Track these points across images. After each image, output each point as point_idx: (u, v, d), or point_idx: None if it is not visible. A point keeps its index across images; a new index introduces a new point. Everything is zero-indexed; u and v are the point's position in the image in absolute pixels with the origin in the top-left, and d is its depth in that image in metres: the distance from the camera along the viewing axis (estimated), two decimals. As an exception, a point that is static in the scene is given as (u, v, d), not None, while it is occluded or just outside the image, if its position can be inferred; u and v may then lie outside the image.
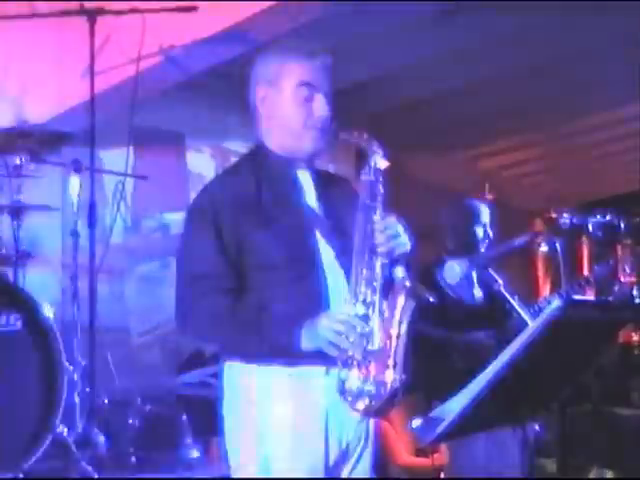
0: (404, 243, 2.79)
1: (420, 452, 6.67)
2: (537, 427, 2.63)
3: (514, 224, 5.26)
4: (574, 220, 4.01)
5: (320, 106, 2.91)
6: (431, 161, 9.78)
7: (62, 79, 5.74)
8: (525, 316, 3.52)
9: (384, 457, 6.63)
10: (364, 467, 2.96)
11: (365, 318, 2.68)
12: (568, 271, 3.81)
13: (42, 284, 5.24)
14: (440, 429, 2.43)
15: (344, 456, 2.88)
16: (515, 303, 3.62)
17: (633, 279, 4.21)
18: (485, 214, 4.97)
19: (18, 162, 5.03)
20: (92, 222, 5.13)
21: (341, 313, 2.70)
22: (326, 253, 2.87)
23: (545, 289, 11.09)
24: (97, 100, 5.25)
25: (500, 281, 3.65)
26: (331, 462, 2.83)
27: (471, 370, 2.42)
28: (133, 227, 6.79)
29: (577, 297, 2.53)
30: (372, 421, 2.96)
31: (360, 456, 2.93)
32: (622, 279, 4.19)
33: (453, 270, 3.50)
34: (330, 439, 2.82)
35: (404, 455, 6.81)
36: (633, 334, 12.57)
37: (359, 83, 7.06)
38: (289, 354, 2.71)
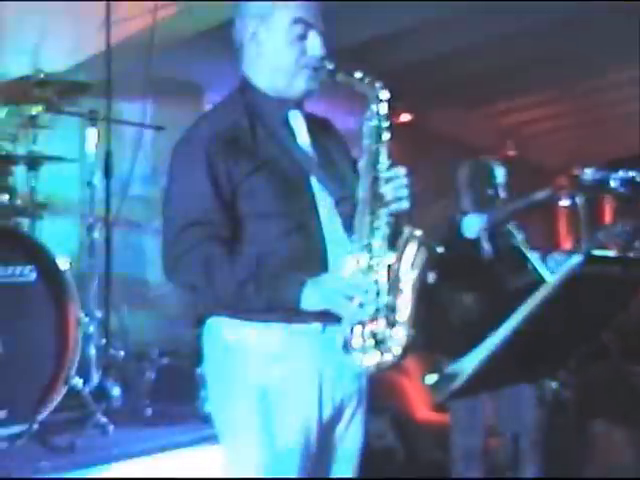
0: (411, 194, 2.67)
1: (439, 407, 6.67)
2: (554, 385, 2.58)
3: (535, 181, 5.20)
4: (596, 176, 3.97)
5: (314, 44, 2.78)
6: (451, 117, 9.70)
7: (79, 29, 5.69)
8: (543, 271, 3.48)
9: (403, 412, 6.65)
10: (359, 423, 2.90)
11: (371, 271, 2.58)
12: (589, 227, 3.76)
13: (58, 235, 5.21)
14: (455, 386, 2.40)
15: (338, 414, 2.81)
16: (533, 258, 3.59)
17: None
18: (500, 174, 4.90)
19: (34, 112, 4.99)
20: (108, 173, 5.10)
21: (349, 273, 2.59)
22: (323, 200, 2.74)
23: (567, 245, 11.04)
24: (114, 50, 5.22)
25: (519, 235, 3.60)
26: (325, 421, 2.76)
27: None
28: (152, 178, 6.75)
29: (597, 252, 2.47)
30: (369, 378, 2.88)
31: (354, 414, 2.86)
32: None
33: (472, 224, 3.46)
34: (324, 396, 2.73)
35: (423, 410, 6.83)
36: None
37: (378, 38, 6.99)
38: (286, 310, 2.61)
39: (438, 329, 4.30)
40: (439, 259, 2.57)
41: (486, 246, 4.73)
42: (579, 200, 3.79)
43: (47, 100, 5.01)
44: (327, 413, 2.76)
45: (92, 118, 5.15)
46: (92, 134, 5.19)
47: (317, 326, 2.67)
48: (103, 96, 5.22)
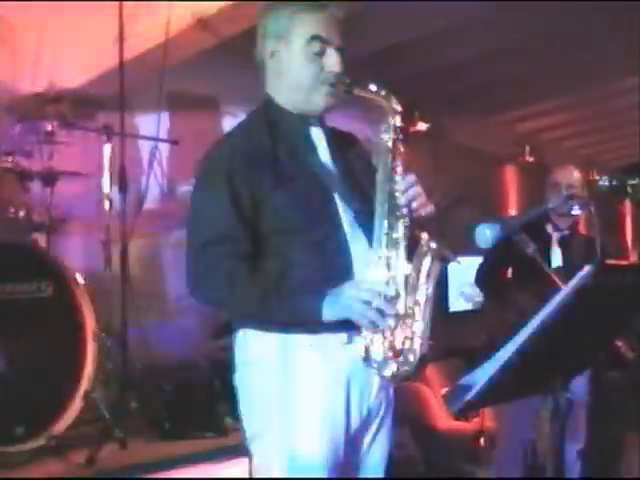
0: (426, 204, 2.71)
1: (461, 417, 6.66)
2: (569, 395, 2.56)
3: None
4: (613, 182, 3.95)
5: (332, 61, 2.80)
6: (467, 125, 9.68)
7: (95, 44, 5.71)
8: (557, 280, 3.46)
9: (424, 421, 6.64)
10: (386, 434, 2.92)
11: (390, 283, 2.61)
12: (603, 234, 3.74)
13: (75, 250, 5.24)
14: (468, 397, 2.39)
15: (365, 425, 2.84)
16: (547, 267, 3.56)
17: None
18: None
19: (50, 128, 5.01)
20: (123, 187, 5.12)
21: (366, 281, 2.62)
22: (345, 214, 2.77)
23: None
24: (128, 65, 5.23)
25: (533, 245, 3.58)
26: (352, 431, 2.78)
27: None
28: (169, 192, 6.77)
29: (610, 261, 2.45)
30: (394, 388, 2.91)
31: (381, 425, 2.89)
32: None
33: (484, 234, 3.43)
34: (352, 408, 2.76)
35: (444, 419, 6.82)
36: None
37: (392, 47, 6.98)
38: (310, 323, 2.64)
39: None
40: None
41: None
42: (593, 207, 3.78)
43: (62, 115, 5.04)
44: (354, 423, 2.78)
45: (107, 133, 5.17)
46: (107, 149, 5.21)
47: (343, 337, 2.69)
48: (119, 111, 5.23)
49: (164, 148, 6.29)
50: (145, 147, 6.16)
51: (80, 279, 4.56)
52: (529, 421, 4.63)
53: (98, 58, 5.67)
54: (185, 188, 6.81)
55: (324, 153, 2.88)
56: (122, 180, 5.12)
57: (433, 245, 2.61)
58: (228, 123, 7.24)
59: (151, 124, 5.64)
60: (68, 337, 4.51)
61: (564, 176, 4.84)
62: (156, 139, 5.66)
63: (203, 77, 6.66)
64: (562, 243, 4.78)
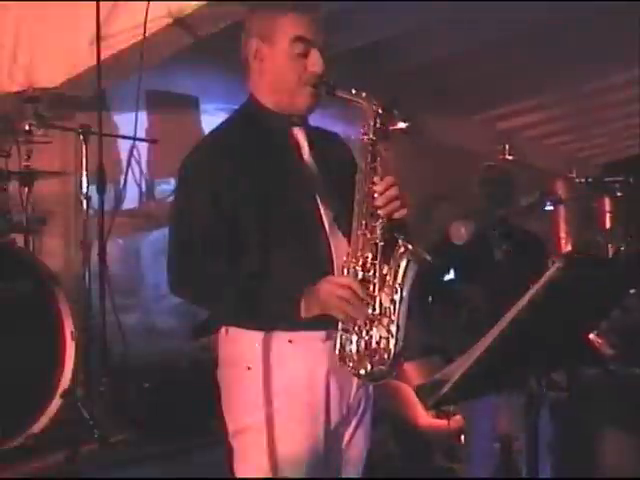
0: (404, 205, 2.74)
1: (442, 414, 6.68)
2: (544, 390, 2.59)
3: (534, 185, 5.21)
4: (590, 180, 3.98)
5: (315, 61, 2.83)
6: (449, 123, 9.70)
7: (73, 44, 5.70)
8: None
9: (404, 419, 6.65)
10: (365, 431, 2.95)
11: (366, 282, 2.65)
12: (578, 230, 3.77)
13: (53, 249, 5.23)
14: (442, 391, 2.41)
15: (345, 421, 2.87)
16: (522, 263, 3.59)
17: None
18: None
19: (27, 128, 5.01)
20: (101, 187, 5.11)
21: (342, 277, 2.67)
22: (326, 214, 2.81)
23: (567, 248, 11.07)
24: (107, 65, 5.23)
25: (506, 241, 3.61)
26: (332, 427, 2.81)
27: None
28: (148, 192, 6.77)
29: (580, 256, 2.48)
30: (374, 385, 2.93)
31: (361, 421, 2.93)
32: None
33: (459, 231, 3.47)
34: (331, 404, 2.79)
35: (424, 417, 6.83)
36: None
37: (374, 45, 7.00)
38: (289, 320, 2.67)
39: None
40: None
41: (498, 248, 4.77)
42: (571, 203, 3.81)
43: (40, 115, 5.04)
44: (334, 419, 2.81)
45: (84, 133, 5.16)
46: (85, 149, 5.20)
47: (321, 334, 2.73)
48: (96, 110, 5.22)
49: (142, 147, 6.30)
50: (124, 147, 6.17)
51: (59, 278, 4.56)
52: (494, 416, 4.67)
53: (76, 58, 5.65)
54: (164, 187, 6.82)
55: (306, 153, 2.91)
56: (100, 180, 5.11)
57: (410, 246, 2.65)
58: (207, 122, 7.25)
59: (130, 123, 5.62)
60: (47, 337, 4.51)
61: None
62: (134, 138, 5.66)
63: (181, 76, 6.66)
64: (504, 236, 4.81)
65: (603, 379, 5.42)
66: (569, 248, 10.68)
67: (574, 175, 4.05)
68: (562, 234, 11.78)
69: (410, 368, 6.77)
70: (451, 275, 4.60)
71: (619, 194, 4.06)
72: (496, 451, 5.14)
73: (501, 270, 4.68)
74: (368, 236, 2.69)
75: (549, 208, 4.18)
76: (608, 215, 11.15)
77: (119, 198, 5.53)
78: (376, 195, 2.71)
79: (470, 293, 4.61)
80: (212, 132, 2.97)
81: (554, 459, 4.61)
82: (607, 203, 10.35)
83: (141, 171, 6.50)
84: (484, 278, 4.58)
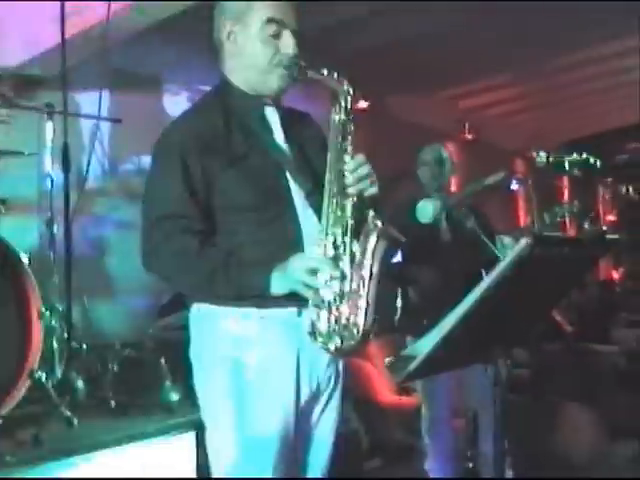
0: (374, 183, 2.77)
1: (402, 391, 6.74)
2: (508, 363, 2.63)
3: (496, 163, 5.26)
4: (550, 159, 4.02)
5: (287, 43, 2.88)
6: (411, 101, 9.72)
7: (36, 21, 5.65)
8: (497, 252, 3.53)
9: (367, 396, 6.70)
10: (335, 407, 3.00)
11: (336, 259, 2.69)
12: (540, 209, 3.82)
13: (18, 230, 5.20)
14: (411, 367, 2.44)
15: (315, 397, 2.92)
16: (487, 240, 3.63)
17: (612, 217, 4.24)
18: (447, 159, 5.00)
19: (-11, 107, 4.98)
20: (66, 167, 5.09)
21: (312, 254, 2.71)
22: (297, 193, 2.85)
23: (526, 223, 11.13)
24: (70, 43, 5.19)
25: (471, 220, 3.64)
26: (302, 403, 2.86)
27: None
28: (111, 171, 6.74)
29: (545, 234, 2.52)
30: (342, 362, 2.99)
31: (331, 396, 2.98)
32: (602, 217, 4.22)
33: (426, 209, 3.50)
34: (301, 380, 2.84)
35: (386, 394, 6.89)
36: (614, 272, 12.70)
37: (341, 22, 7.00)
38: (260, 295, 2.70)
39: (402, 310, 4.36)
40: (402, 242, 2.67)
41: (444, 229, 4.81)
42: (531, 182, 3.85)
43: (2, 94, 5.00)
44: (304, 396, 2.86)
45: (48, 112, 5.14)
46: (49, 128, 5.18)
47: (293, 311, 2.78)
48: (60, 90, 5.19)
49: (106, 127, 6.28)
50: (87, 126, 6.15)
51: (25, 259, 4.54)
52: (453, 391, 4.72)
53: (39, 36, 5.61)
54: (127, 166, 6.79)
55: (278, 133, 2.96)
56: (65, 159, 5.09)
57: (379, 224, 2.69)
58: (169, 102, 7.23)
59: (95, 103, 5.59)
60: (13, 317, 4.49)
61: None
62: (98, 117, 5.63)
63: (145, 55, 6.62)
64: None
65: (564, 355, 5.50)
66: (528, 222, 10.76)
67: (534, 154, 4.08)
68: (520, 211, 11.89)
69: (373, 345, 6.82)
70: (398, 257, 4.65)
71: (578, 173, 4.11)
72: (459, 426, 5.22)
73: (448, 251, 4.74)
74: (339, 214, 2.73)
75: (514, 187, 4.23)
76: (566, 191, 11.26)
77: (83, 178, 5.49)
78: (347, 174, 2.74)
79: (418, 274, 4.64)
80: (185, 111, 3.02)
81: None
82: (566, 180, 10.47)
83: (103, 150, 6.47)
84: (431, 259, 4.62)
